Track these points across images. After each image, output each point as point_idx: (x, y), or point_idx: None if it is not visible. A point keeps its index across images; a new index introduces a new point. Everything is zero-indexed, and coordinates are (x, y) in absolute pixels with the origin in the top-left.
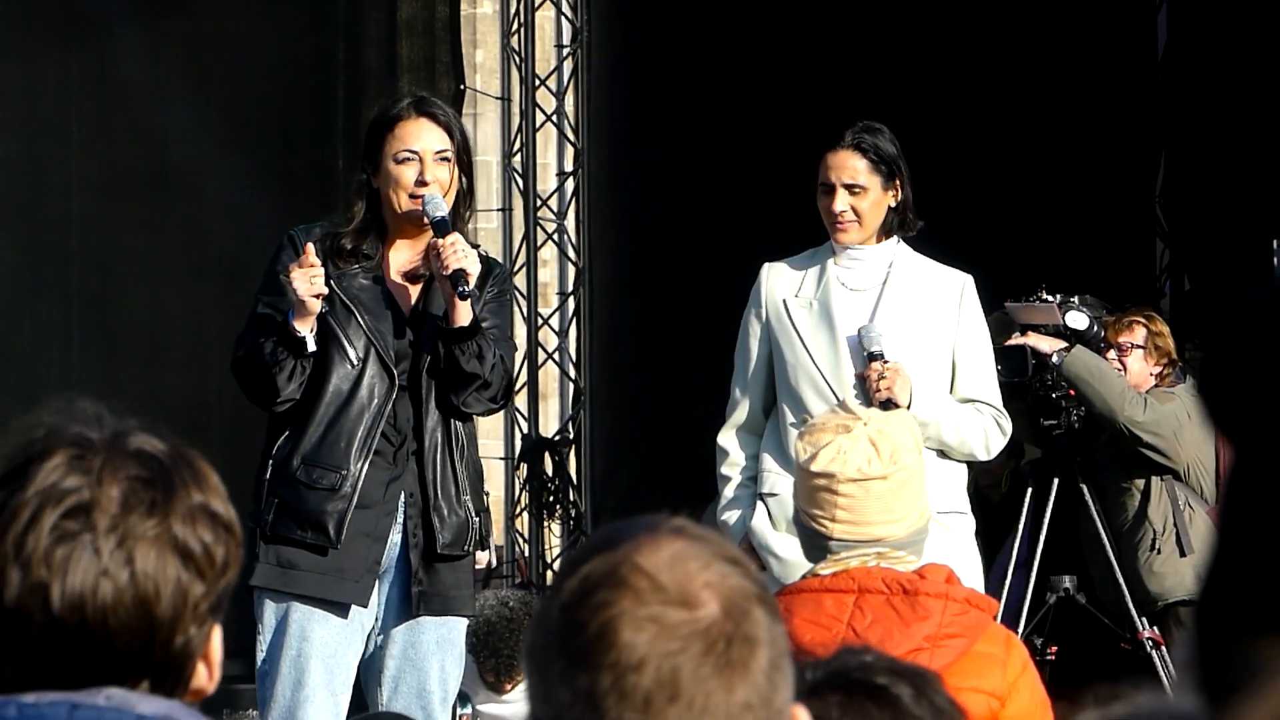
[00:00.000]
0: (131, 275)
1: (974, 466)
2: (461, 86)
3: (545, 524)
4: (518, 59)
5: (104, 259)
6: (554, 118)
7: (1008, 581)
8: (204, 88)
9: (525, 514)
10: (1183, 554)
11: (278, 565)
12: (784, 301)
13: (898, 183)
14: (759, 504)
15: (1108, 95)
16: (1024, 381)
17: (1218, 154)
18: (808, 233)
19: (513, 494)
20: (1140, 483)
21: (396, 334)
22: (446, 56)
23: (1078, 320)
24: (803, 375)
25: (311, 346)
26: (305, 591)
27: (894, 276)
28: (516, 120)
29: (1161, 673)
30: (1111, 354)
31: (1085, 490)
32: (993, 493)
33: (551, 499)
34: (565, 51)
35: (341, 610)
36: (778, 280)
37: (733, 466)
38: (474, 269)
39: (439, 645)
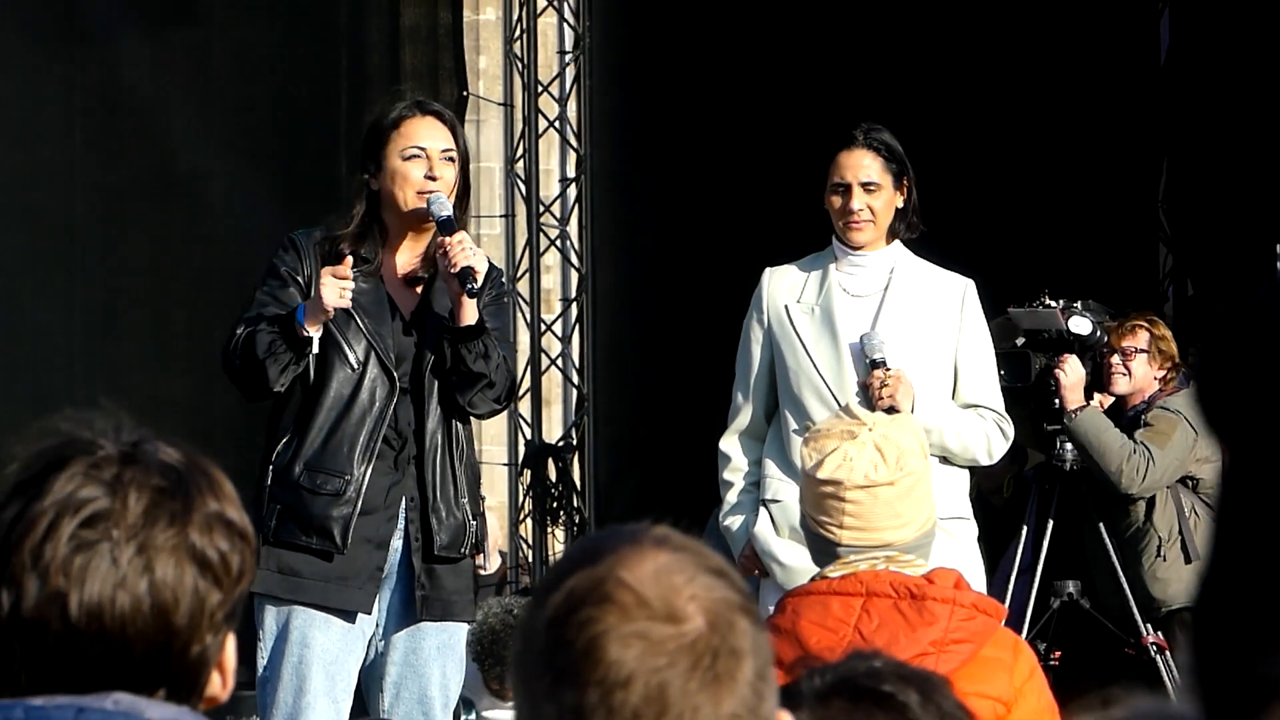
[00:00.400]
0: (136, 282)
1: (976, 471)
2: (464, 93)
3: (549, 530)
4: (520, 65)
5: (108, 266)
6: (556, 124)
7: (1011, 587)
8: (208, 96)
9: (529, 520)
10: (1188, 560)
11: (279, 572)
12: (786, 307)
13: (906, 183)
14: (761, 510)
15: (1110, 100)
16: (1026, 387)
17: (1220, 158)
18: (810, 237)
19: (516, 500)
20: None
21: (397, 337)
22: (449, 63)
23: (1080, 325)
24: (805, 381)
25: (315, 348)
26: (309, 599)
27: (896, 282)
28: (519, 126)
29: (1166, 678)
30: (1115, 359)
31: (1088, 495)
32: (995, 498)
33: (555, 505)
34: (567, 58)
35: (344, 616)
36: (779, 285)
37: (735, 472)
38: (481, 267)
39: (440, 651)
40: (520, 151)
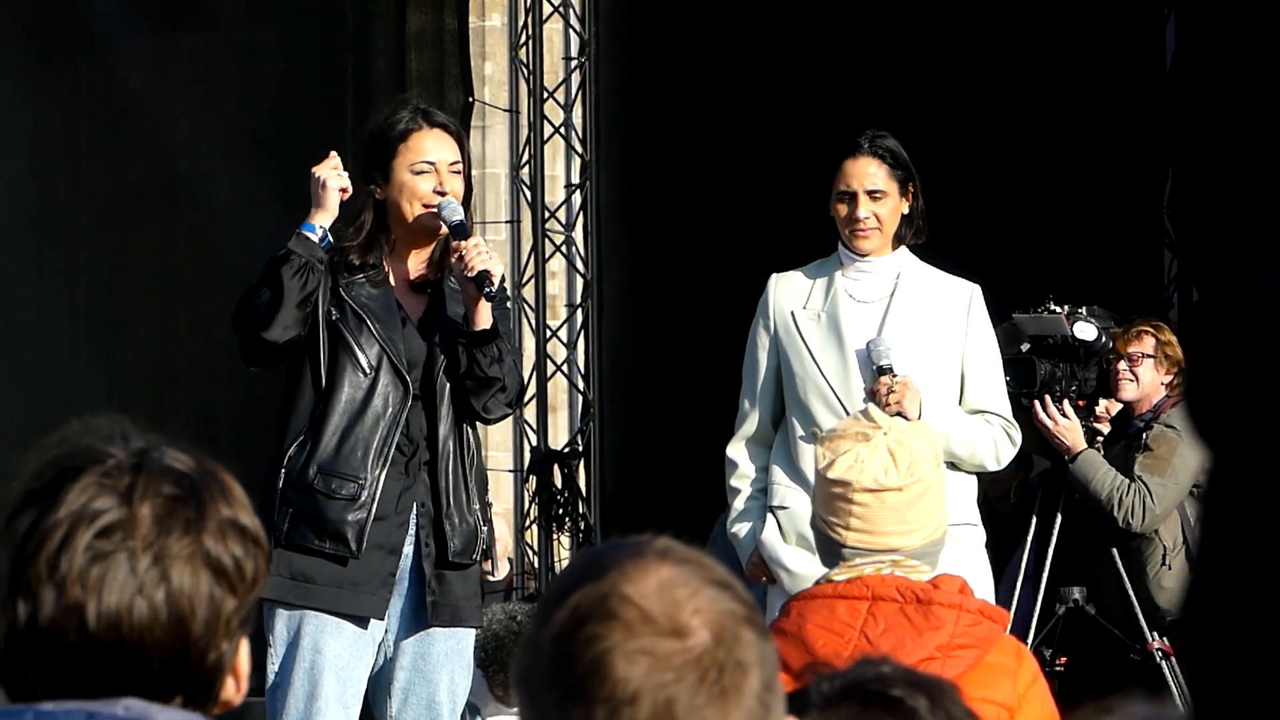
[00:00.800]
0: (140, 287)
1: (983, 478)
2: (470, 99)
3: (555, 536)
4: (526, 71)
5: (112, 270)
6: (562, 129)
7: (1016, 592)
8: (212, 100)
9: (535, 526)
10: (1193, 569)
11: (290, 578)
12: (792, 313)
13: (911, 188)
14: (769, 517)
15: (1116, 105)
16: (1032, 393)
17: (1225, 164)
18: (816, 243)
19: (522, 507)
20: None
21: (408, 342)
22: (455, 69)
23: (1085, 331)
24: (811, 387)
25: (326, 237)
26: (321, 606)
27: (902, 288)
28: (525, 132)
29: (1172, 684)
30: (1122, 365)
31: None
32: (1001, 504)
33: (561, 511)
34: (573, 64)
35: (356, 622)
36: (785, 292)
37: (742, 479)
38: (497, 270)
39: (448, 657)
40: (526, 157)
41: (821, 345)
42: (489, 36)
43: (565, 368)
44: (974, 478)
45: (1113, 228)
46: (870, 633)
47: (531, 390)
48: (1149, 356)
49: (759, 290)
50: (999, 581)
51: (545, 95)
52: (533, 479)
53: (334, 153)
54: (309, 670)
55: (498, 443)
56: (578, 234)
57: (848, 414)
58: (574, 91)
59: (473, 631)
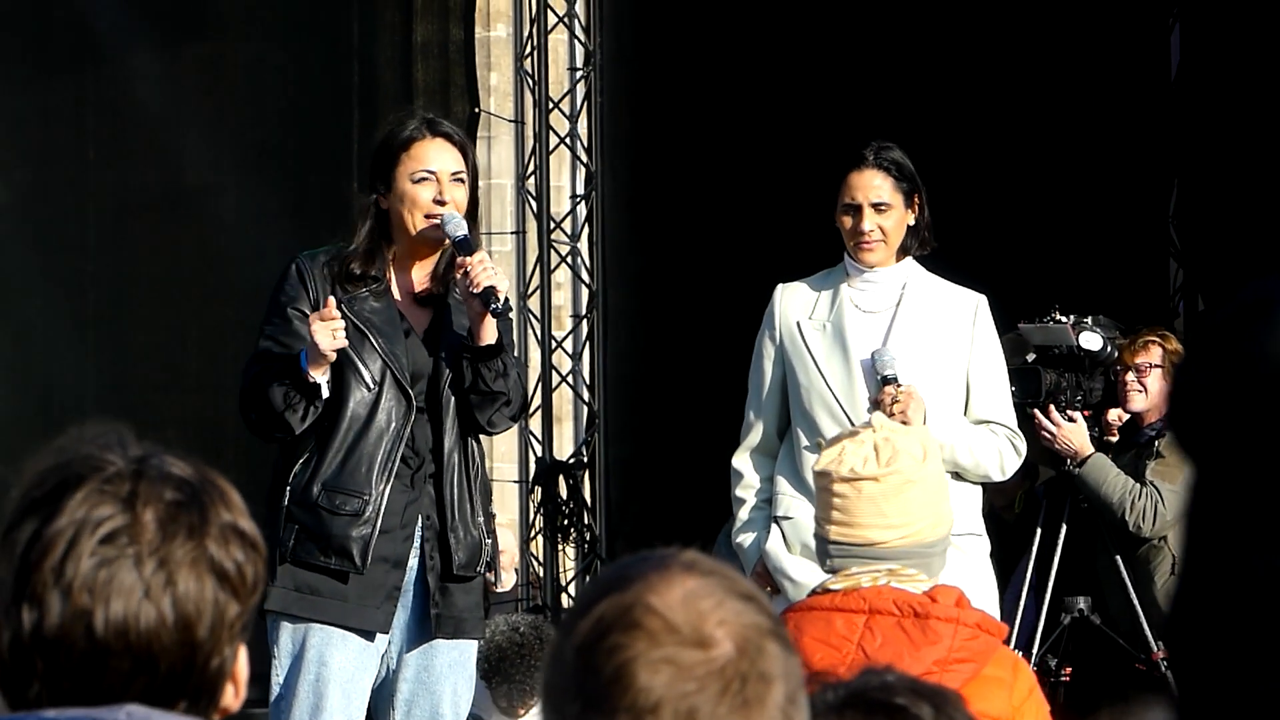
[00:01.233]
0: (146, 298)
1: (988, 488)
2: (475, 109)
3: (560, 547)
4: (531, 82)
5: (119, 282)
6: (567, 140)
7: (1022, 602)
8: (218, 111)
9: (540, 537)
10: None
11: (295, 590)
12: (797, 324)
13: (917, 200)
14: (773, 527)
15: (1121, 115)
16: (1038, 403)
17: (1231, 174)
18: (822, 254)
19: (527, 517)
20: None
21: (411, 356)
22: (461, 80)
23: (1091, 341)
24: (816, 398)
25: (325, 393)
26: (327, 619)
27: (907, 298)
28: (530, 143)
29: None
30: (1130, 376)
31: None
32: (1006, 514)
33: (566, 522)
34: (578, 74)
35: (361, 635)
36: (791, 302)
37: (747, 489)
38: (503, 285)
39: (451, 669)
40: (531, 168)
41: (827, 355)
42: (494, 47)
43: (570, 378)
44: (979, 488)
45: (1118, 237)
46: (867, 647)
47: (537, 401)
48: (1157, 366)
49: (765, 300)
50: (1004, 591)
51: (550, 106)
52: (538, 490)
53: (332, 301)
54: (314, 683)
55: (503, 453)
56: (583, 245)
57: (852, 424)
58: (579, 102)
59: (475, 643)
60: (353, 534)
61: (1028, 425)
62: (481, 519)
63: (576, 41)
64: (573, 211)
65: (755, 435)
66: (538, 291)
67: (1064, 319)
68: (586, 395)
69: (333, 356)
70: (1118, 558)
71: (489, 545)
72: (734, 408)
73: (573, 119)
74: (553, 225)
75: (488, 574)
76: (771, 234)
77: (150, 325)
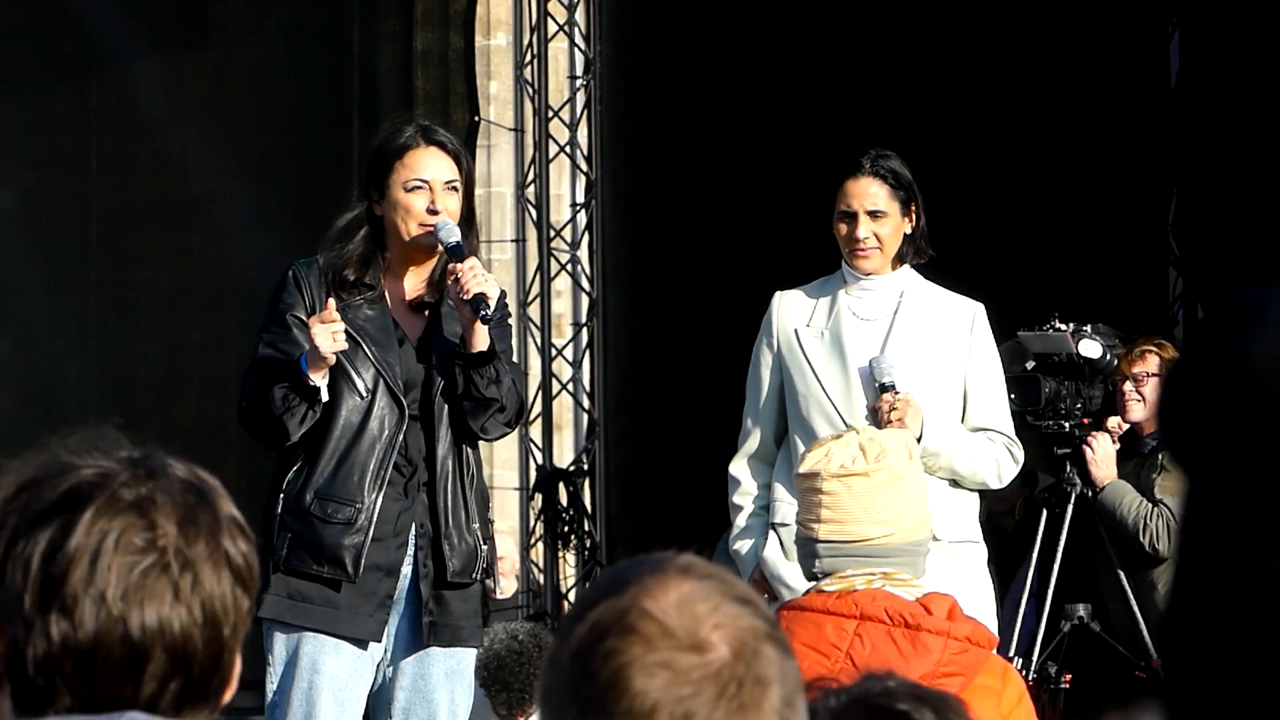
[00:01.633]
0: (150, 305)
1: (986, 495)
2: (476, 118)
3: (560, 555)
4: (531, 90)
5: (122, 289)
6: (567, 148)
7: (1022, 610)
8: (221, 119)
9: (540, 545)
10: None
11: (288, 598)
12: (795, 331)
13: (914, 209)
14: (771, 534)
15: (1120, 123)
16: (1037, 411)
17: (1230, 182)
18: (820, 261)
19: (527, 525)
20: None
21: (405, 363)
22: (461, 88)
23: (1090, 349)
24: (814, 405)
25: (324, 396)
26: (319, 626)
27: (905, 306)
28: (530, 151)
29: None
30: (1128, 385)
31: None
32: (1006, 521)
33: (566, 530)
34: (578, 82)
35: (354, 642)
36: (789, 310)
37: (745, 496)
38: (494, 293)
39: (448, 677)
40: (531, 176)
41: (824, 363)
42: (494, 56)
43: (571, 386)
44: (975, 495)
45: (1118, 246)
46: (856, 655)
47: (537, 409)
48: (1154, 376)
49: (763, 308)
50: (1003, 599)
51: (550, 114)
52: (538, 497)
53: (331, 304)
54: (307, 690)
55: (503, 461)
56: (583, 253)
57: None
58: (579, 110)
59: (473, 651)
60: (345, 542)
61: (1026, 433)
62: (477, 526)
63: (576, 50)
64: (573, 220)
65: (753, 442)
66: (538, 299)
67: (1063, 327)
68: (586, 403)
69: (332, 359)
70: (1118, 566)
71: (485, 552)
72: (733, 415)
73: (572, 127)
74: (553, 233)
75: (487, 581)
76: (770, 242)
77: (153, 332)
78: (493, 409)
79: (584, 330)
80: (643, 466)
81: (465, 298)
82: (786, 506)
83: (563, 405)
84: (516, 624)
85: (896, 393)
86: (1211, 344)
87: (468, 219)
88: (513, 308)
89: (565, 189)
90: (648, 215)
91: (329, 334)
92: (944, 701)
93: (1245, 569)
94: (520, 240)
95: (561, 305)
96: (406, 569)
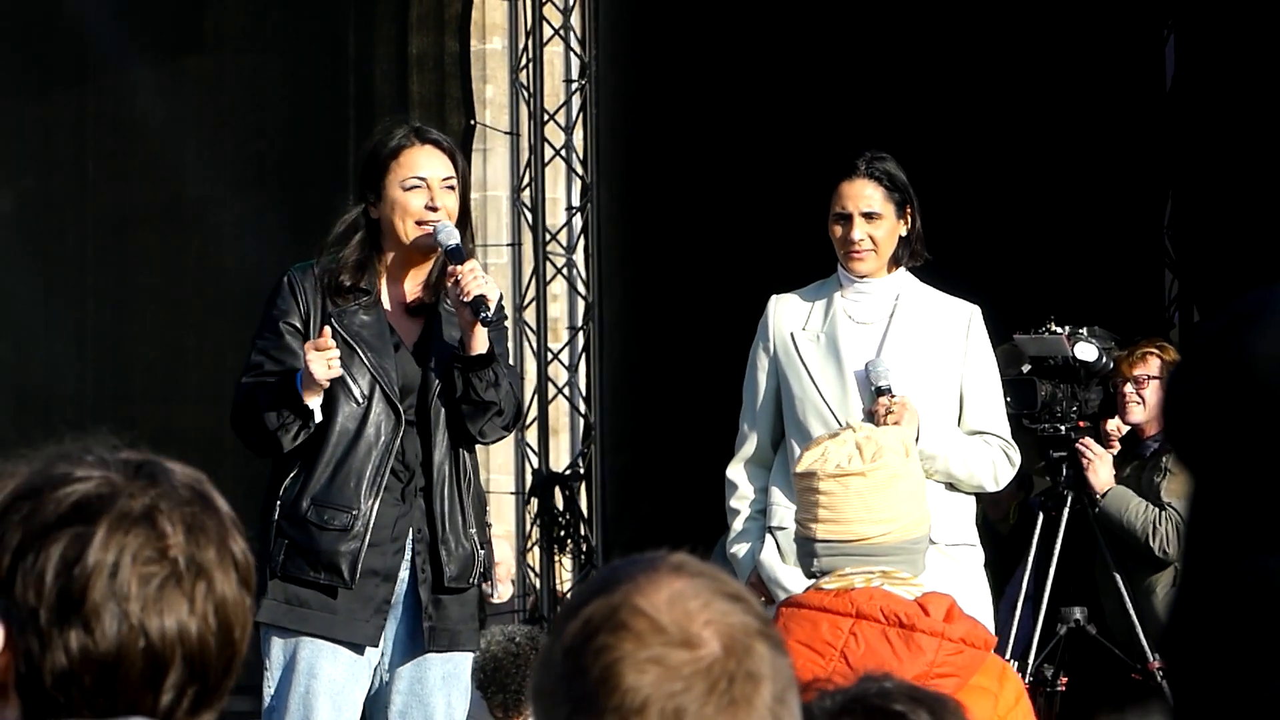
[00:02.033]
0: (146, 310)
1: (982, 498)
2: (471, 122)
3: (556, 559)
4: (526, 94)
5: (118, 294)
6: (563, 152)
7: (1017, 613)
8: (217, 124)
9: (536, 549)
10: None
11: (285, 602)
12: (791, 335)
13: (909, 211)
14: (768, 537)
15: (1116, 126)
16: (1033, 414)
17: (1226, 184)
18: (816, 264)
19: (524, 529)
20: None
21: (401, 369)
22: (457, 92)
23: (1087, 352)
24: (810, 408)
25: (319, 416)
26: (315, 631)
27: (901, 309)
28: (525, 155)
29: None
30: (1128, 388)
31: (1096, 523)
32: (1001, 525)
33: (562, 534)
34: (574, 86)
35: (351, 647)
36: (785, 313)
37: (741, 500)
38: (493, 295)
39: (445, 681)
40: (526, 180)
41: (820, 366)
42: (490, 59)
43: (567, 390)
44: (972, 498)
45: (1114, 248)
46: (851, 654)
47: (533, 413)
48: (1155, 378)
49: (759, 312)
50: (1000, 602)
51: (546, 118)
52: (534, 501)
53: (327, 330)
54: (304, 695)
55: (499, 465)
56: (579, 256)
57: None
58: (575, 114)
59: (470, 655)
60: (341, 549)
61: (1022, 436)
62: (474, 530)
63: (572, 54)
64: (568, 223)
65: (749, 446)
66: (533, 303)
67: (1059, 330)
68: (582, 407)
69: (326, 385)
70: (1115, 569)
71: (483, 556)
72: (729, 419)
73: (568, 131)
74: (548, 237)
75: (484, 585)
76: (766, 245)
77: (149, 337)
78: (491, 412)
79: (580, 334)
80: (639, 470)
81: (465, 300)
82: (783, 510)
83: (558, 409)
84: (514, 627)
85: (892, 396)
86: (1213, 345)
87: (463, 220)
88: (508, 312)
89: (561, 193)
90: (643, 219)
91: (324, 361)
92: (940, 703)
93: (1246, 566)
94: (516, 244)
95: (557, 309)
96: (404, 574)
